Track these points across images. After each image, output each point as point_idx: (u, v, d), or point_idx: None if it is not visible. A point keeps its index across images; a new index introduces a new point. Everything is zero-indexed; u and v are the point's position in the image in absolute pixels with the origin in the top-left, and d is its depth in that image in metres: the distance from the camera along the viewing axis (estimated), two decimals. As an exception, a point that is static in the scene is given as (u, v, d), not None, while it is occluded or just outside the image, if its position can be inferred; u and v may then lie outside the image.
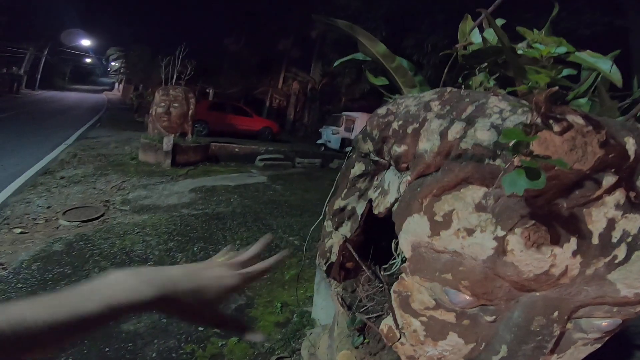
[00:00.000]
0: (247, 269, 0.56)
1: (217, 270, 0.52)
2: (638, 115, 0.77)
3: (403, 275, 0.96)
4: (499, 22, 1.14)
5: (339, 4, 13.09)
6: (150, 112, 7.93)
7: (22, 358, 0.34)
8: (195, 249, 3.69)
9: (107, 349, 2.14)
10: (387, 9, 11.37)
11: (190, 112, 7.87)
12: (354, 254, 1.33)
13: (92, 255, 3.26)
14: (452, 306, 0.85)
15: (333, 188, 1.41)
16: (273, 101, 21.92)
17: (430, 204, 0.82)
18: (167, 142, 6.85)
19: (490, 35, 1.05)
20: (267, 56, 20.43)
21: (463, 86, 1.00)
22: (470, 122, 0.73)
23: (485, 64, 0.95)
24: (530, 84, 0.70)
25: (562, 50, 0.58)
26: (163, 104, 7.57)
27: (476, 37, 1.06)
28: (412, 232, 0.87)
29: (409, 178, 0.91)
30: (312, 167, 9.61)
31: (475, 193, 0.74)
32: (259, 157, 8.89)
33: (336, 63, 1.47)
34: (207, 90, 19.72)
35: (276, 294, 3.04)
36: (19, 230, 3.70)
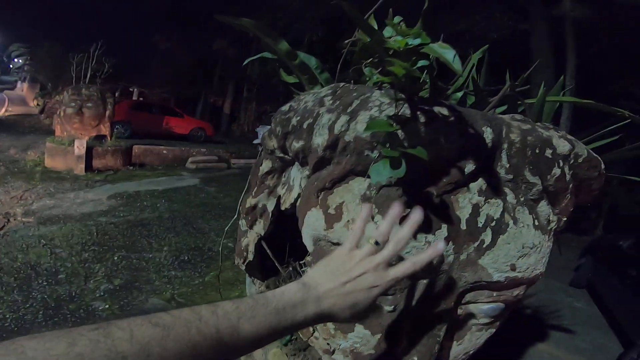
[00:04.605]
0: (396, 271, 0.53)
1: (367, 279, 0.51)
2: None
3: (308, 269, 0.97)
4: (397, 19, 1.18)
5: (279, 3, 12.85)
6: (58, 113, 7.10)
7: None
8: (115, 258, 3.41)
9: None
10: (326, 10, 11.45)
11: (107, 112, 7.20)
12: (268, 252, 1.32)
13: (-11, 273, 2.85)
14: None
15: (246, 186, 1.39)
16: (208, 101, 21.01)
17: (324, 198, 0.83)
18: (80, 146, 6.19)
19: (389, 32, 1.08)
20: (202, 55, 19.40)
21: (352, 81, 1.03)
22: (353, 115, 0.76)
23: (370, 59, 0.97)
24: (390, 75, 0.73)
25: (416, 41, 0.61)
26: (74, 104, 6.82)
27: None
28: (312, 226, 0.88)
29: (307, 173, 0.92)
30: (248, 168, 9.37)
31: (360, 185, 0.77)
32: (190, 159, 8.45)
33: (246, 61, 1.44)
34: (131, 90, 18.25)
35: (210, 298, 2.94)
36: None
